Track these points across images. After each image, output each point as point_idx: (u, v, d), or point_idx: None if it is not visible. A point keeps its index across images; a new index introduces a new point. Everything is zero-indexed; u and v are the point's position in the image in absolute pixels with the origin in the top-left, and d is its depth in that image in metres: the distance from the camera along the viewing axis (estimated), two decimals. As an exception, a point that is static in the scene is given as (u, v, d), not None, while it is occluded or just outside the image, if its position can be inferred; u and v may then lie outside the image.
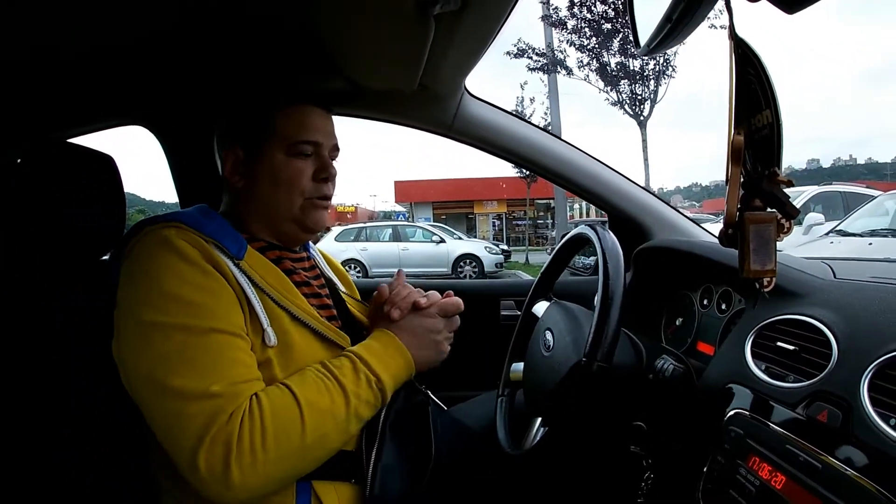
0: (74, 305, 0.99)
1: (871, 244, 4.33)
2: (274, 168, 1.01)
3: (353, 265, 12.81)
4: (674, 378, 1.00)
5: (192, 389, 0.80)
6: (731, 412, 0.86)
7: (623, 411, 1.07)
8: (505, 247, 18.06)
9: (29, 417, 0.98)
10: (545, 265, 1.31)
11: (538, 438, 1.02)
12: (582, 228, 1.12)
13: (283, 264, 1.04)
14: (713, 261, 1.18)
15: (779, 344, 0.87)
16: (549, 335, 1.06)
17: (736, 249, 0.68)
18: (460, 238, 15.37)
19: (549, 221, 26.01)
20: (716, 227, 0.82)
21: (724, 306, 1.17)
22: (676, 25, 0.65)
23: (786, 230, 0.67)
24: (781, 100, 0.63)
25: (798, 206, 0.69)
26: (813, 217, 6.69)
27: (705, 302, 1.24)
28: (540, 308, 1.22)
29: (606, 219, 1.64)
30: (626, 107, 15.55)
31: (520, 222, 28.22)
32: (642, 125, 15.68)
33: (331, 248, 12.27)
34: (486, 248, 14.20)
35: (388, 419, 1.00)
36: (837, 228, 5.27)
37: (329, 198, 1.08)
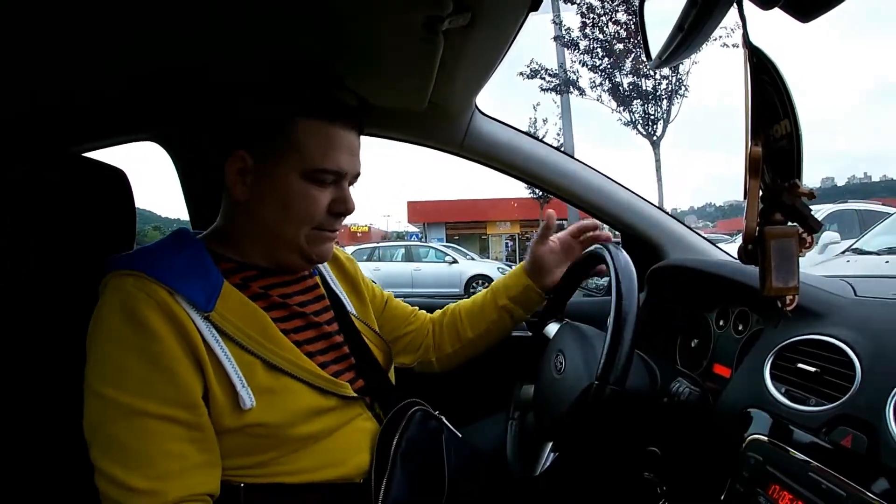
0: (74, 305, 0.98)
1: (887, 262, 4.27)
2: (286, 191, 0.89)
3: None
4: (690, 401, 0.96)
5: (113, 475, 0.75)
6: (750, 437, 0.82)
7: (636, 436, 1.04)
8: (518, 267, 18.02)
9: (29, 417, 0.98)
10: (557, 285, 1.28)
11: (549, 463, 0.99)
12: (594, 247, 1.10)
13: (272, 296, 0.94)
14: (729, 279, 1.15)
15: (799, 366, 0.83)
16: (560, 357, 1.03)
17: (756, 266, 0.65)
18: (473, 259, 15.42)
19: (563, 242, 25.93)
20: (731, 247, 0.80)
21: (740, 327, 1.13)
22: (688, 35, 0.64)
23: (808, 245, 0.64)
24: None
25: (813, 225, 0.66)
26: (828, 236, 6.61)
27: (721, 323, 1.20)
28: (551, 329, 1.19)
29: (619, 239, 1.62)
30: (639, 127, 15.56)
31: (532, 243, 28.13)
32: (655, 145, 15.68)
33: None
34: (498, 268, 14.20)
35: (399, 447, 0.94)
36: (853, 247, 5.19)
37: (338, 230, 0.98)
